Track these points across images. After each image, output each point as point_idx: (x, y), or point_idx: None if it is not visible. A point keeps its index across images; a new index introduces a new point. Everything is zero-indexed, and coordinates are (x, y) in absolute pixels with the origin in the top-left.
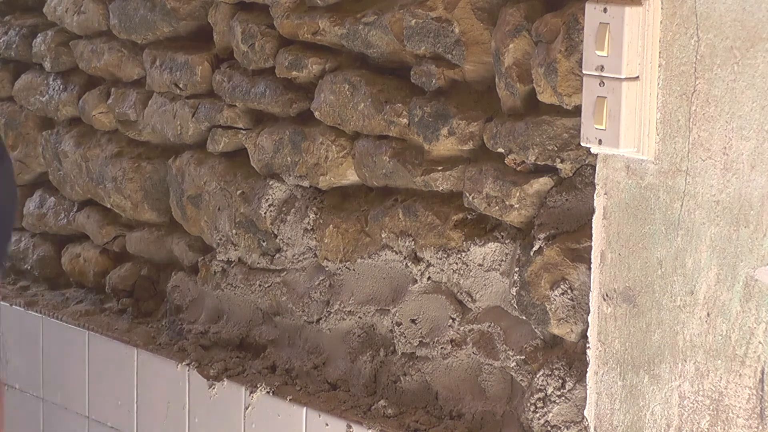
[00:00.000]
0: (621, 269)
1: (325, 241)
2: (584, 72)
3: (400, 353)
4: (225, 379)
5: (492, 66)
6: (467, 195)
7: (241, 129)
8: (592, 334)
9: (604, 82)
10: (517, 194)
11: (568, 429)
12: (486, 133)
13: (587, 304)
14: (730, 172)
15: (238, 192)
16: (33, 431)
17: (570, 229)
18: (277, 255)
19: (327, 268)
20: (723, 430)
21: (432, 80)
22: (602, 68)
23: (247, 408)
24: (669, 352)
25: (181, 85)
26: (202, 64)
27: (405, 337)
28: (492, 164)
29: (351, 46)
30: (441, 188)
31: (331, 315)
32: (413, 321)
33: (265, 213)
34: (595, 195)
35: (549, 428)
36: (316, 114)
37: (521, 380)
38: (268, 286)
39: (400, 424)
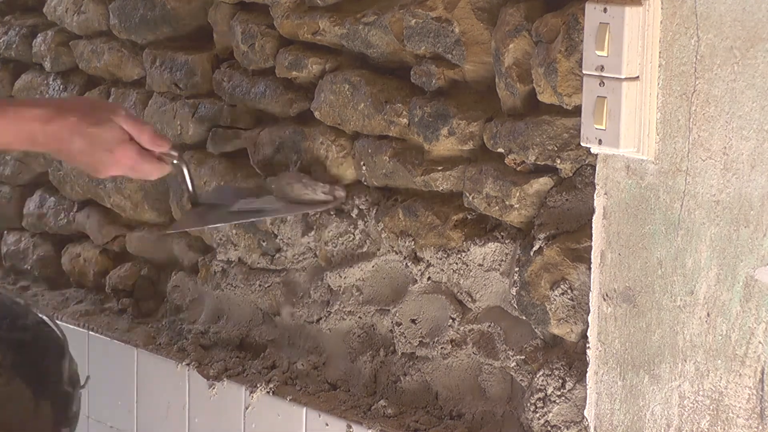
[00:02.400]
0: (621, 269)
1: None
2: (584, 72)
3: (400, 353)
4: (225, 379)
5: (492, 66)
6: (467, 195)
7: (241, 129)
8: (592, 334)
9: (604, 82)
10: (517, 194)
11: (568, 429)
12: (486, 133)
13: (587, 304)
14: (730, 172)
15: None
16: None
17: (570, 229)
18: (277, 255)
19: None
20: (723, 430)
21: (432, 80)
22: (602, 68)
23: (247, 408)
24: (669, 352)
25: (181, 85)
26: (202, 64)
27: (405, 337)
28: (492, 164)
29: (351, 46)
30: (441, 188)
31: (331, 315)
32: (413, 321)
33: None
34: (595, 195)
35: (549, 428)
36: (316, 114)
37: (521, 380)
38: (268, 286)
39: (400, 424)
